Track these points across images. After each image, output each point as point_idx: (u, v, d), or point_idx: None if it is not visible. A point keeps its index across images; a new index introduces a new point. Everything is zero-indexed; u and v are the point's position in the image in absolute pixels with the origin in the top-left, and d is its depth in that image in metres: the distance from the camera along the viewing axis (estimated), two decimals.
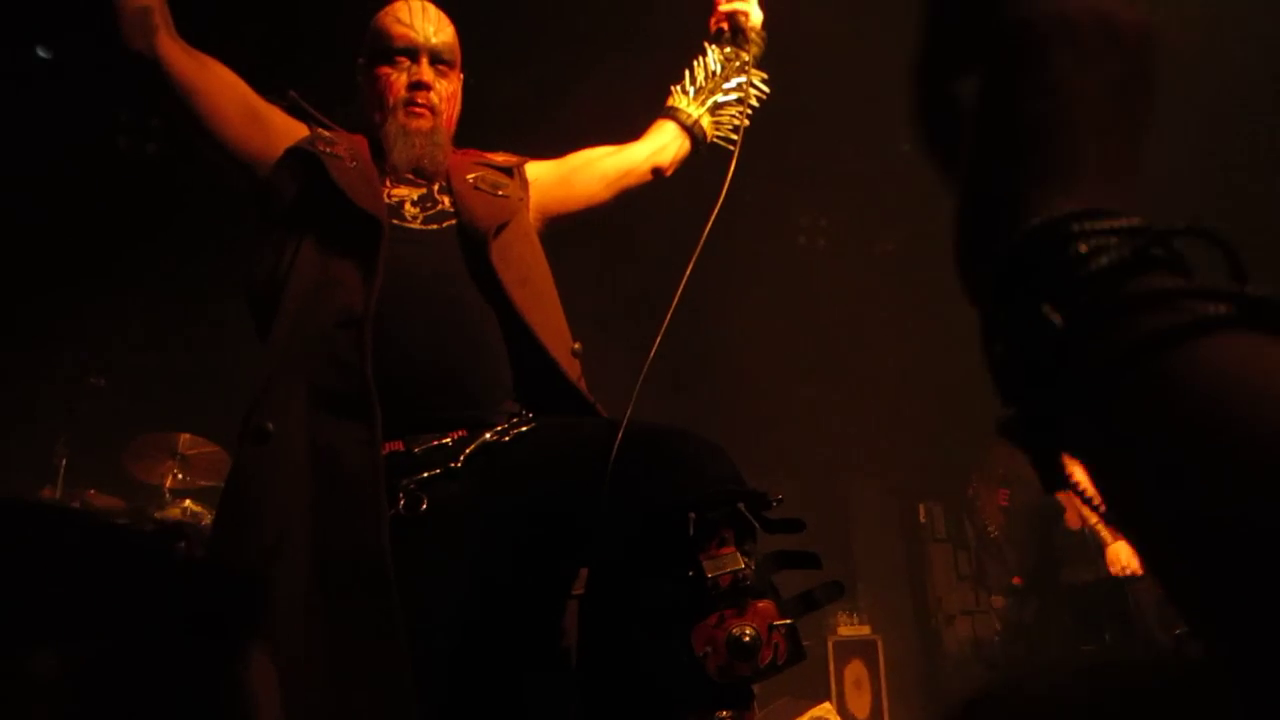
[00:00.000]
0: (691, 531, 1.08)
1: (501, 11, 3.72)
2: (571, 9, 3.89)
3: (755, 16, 1.90)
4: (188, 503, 4.19)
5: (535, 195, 1.73)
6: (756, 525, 1.13)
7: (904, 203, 5.15)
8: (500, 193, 1.61)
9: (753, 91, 1.86)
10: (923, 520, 6.45)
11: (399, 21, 1.60)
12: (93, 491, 4.26)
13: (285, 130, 1.54)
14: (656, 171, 1.86)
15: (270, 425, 1.29)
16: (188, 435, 4.22)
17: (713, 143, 1.92)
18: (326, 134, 1.56)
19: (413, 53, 1.59)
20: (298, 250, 1.42)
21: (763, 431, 5.10)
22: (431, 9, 1.65)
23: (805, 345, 5.41)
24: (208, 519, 4.19)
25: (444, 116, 1.62)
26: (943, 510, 6.51)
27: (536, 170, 1.77)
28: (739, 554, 1.09)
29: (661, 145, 1.88)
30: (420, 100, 1.58)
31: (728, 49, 1.91)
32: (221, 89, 1.51)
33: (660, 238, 5.14)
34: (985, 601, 5.98)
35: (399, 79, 1.59)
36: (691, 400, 3.74)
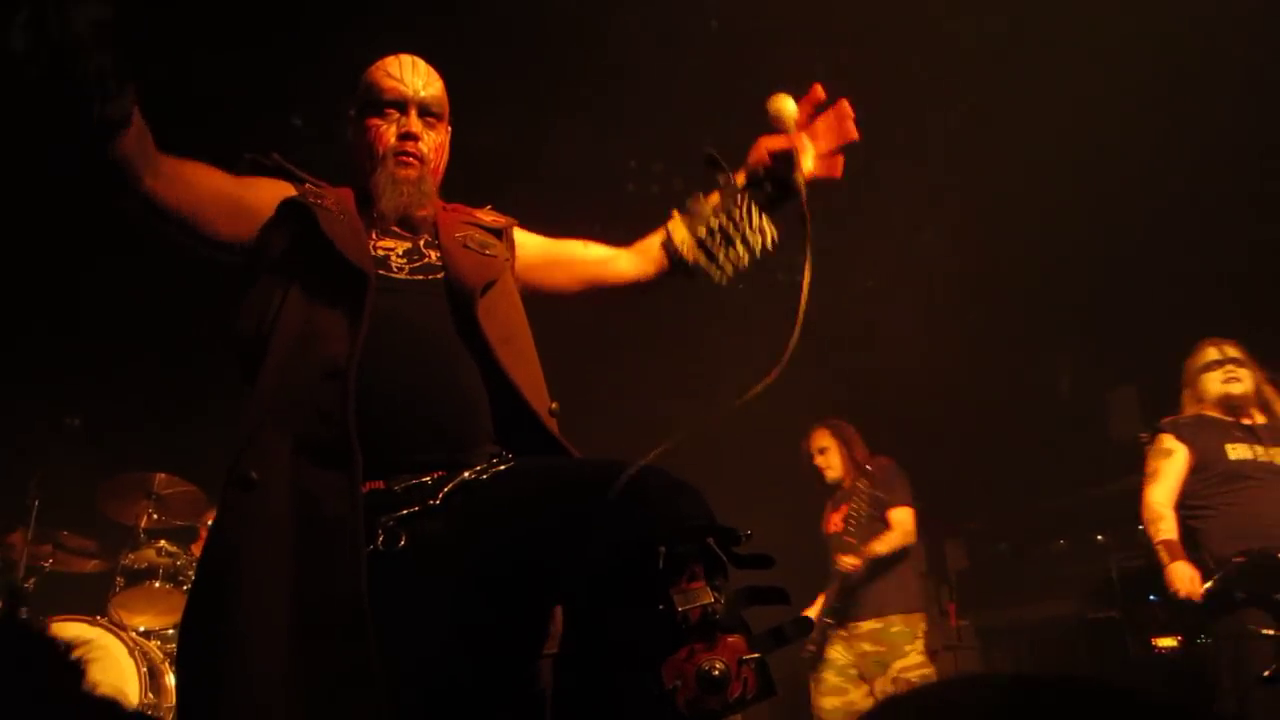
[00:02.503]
0: (661, 565, 1.09)
1: (480, 62, 3.77)
2: (550, 59, 3.94)
3: (806, 167, 1.70)
4: (163, 543, 4.15)
5: (517, 263, 1.76)
6: (726, 561, 1.14)
7: (882, 238, 5.23)
8: (488, 252, 1.65)
9: (765, 238, 1.78)
10: None
11: (389, 75, 1.64)
12: (65, 533, 4.20)
13: (271, 199, 1.55)
14: (634, 289, 1.83)
15: (255, 474, 1.31)
16: (164, 475, 4.17)
17: (702, 270, 1.78)
18: (314, 189, 1.59)
19: (402, 105, 1.63)
20: (284, 300, 1.44)
21: (740, 463, 5.11)
22: (421, 64, 1.69)
23: (788, 377, 5.42)
24: (182, 559, 4.13)
25: (431, 166, 1.65)
26: (923, 545, 6.49)
27: (525, 241, 1.80)
28: (709, 589, 1.11)
29: (642, 270, 1.82)
30: (409, 150, 1.61)
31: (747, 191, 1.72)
32: (206, 200, 1.50)
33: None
34: (969, 637, 5.96)
35: (388, 130, 1.62)
36: (665, 430, 3.73)
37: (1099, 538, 4.62)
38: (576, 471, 1.37)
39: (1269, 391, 3.42)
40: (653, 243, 1.82)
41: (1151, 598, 3.90)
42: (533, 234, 1.83)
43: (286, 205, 1.53)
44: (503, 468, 1.42)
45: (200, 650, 1.27)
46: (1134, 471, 4.79)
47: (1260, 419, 3.36)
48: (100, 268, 4.27)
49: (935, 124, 4.41)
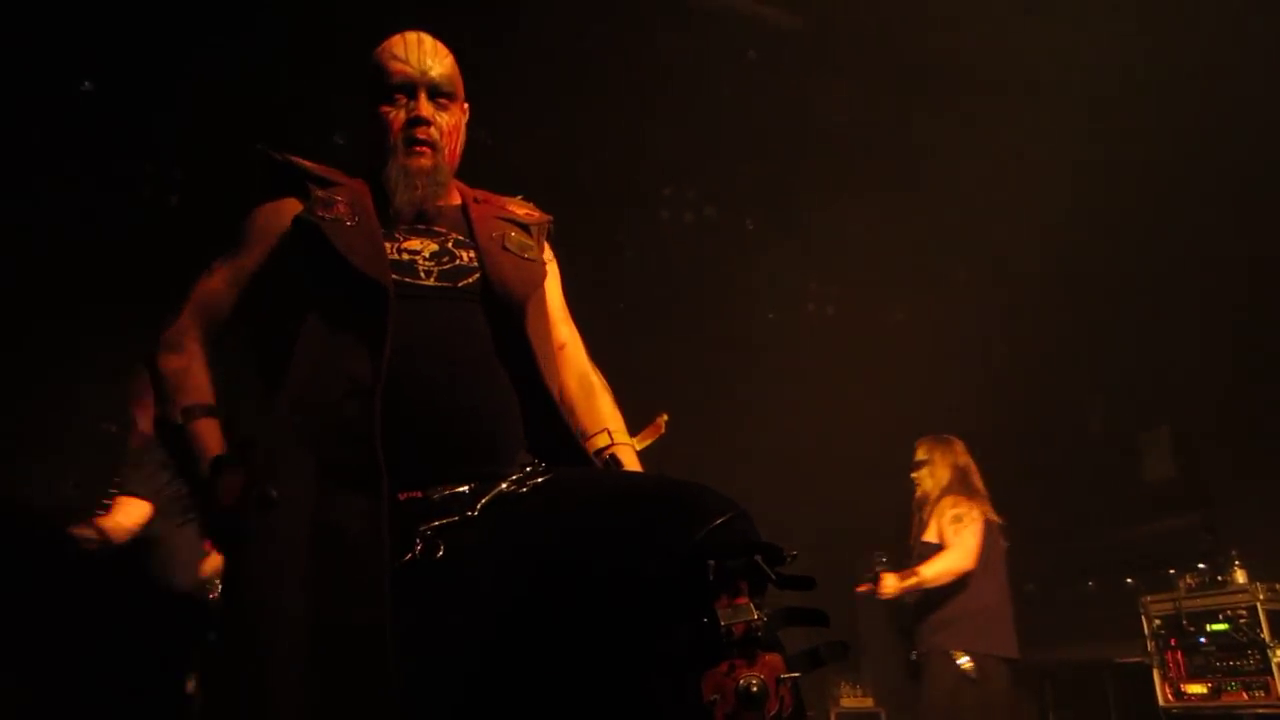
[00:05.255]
0: (711, 579, 1.09)
1: (522, 85, 3.82)
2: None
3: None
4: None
5: None
6: (771, 579, 1.14)
7: (914, 272, 5.22)
8: (527, 255, 1.58)
9: None
10: None
11: (394, 57, 1.55)
12: None
13: (279, 230, 1.50)
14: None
15: (274, 493, 1.26)
16: None
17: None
18: (323, 193, 1.51)
19: (410, 88, 1.54)
20: (304, 319, 1.39)
21: (766, 497, 5.07)
22: (428, 40, 1.59)
23: (814, 411, 5.41)
24: None
25: (446, 152, 1.56)
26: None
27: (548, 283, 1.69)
28: (753, 605, 1.11)
29: (584, 408, 1.65)
30: (420, 136, 1.52)
31: None
32: (241, 301, 1.52)
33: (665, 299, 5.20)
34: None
35: (397, 116, 1.53)
36: (694, 466, 3.73)
37: (1129, 580, 4.53)
38: (618, 483, 1.34)
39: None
40: (595, 411, 1.64)
41: (1200, 640, 3.80)
42: (555, 278, 1.73)
43: (295, 225, 1.46)
44: (540, 479, 1.38)
45: (220, 676, 1.26)
46: (1167, 514, 4.69)
47: None
48: (141, 276, 4.34)
49: (968, 155, 4.41)
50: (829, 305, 5.65)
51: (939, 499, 3.87)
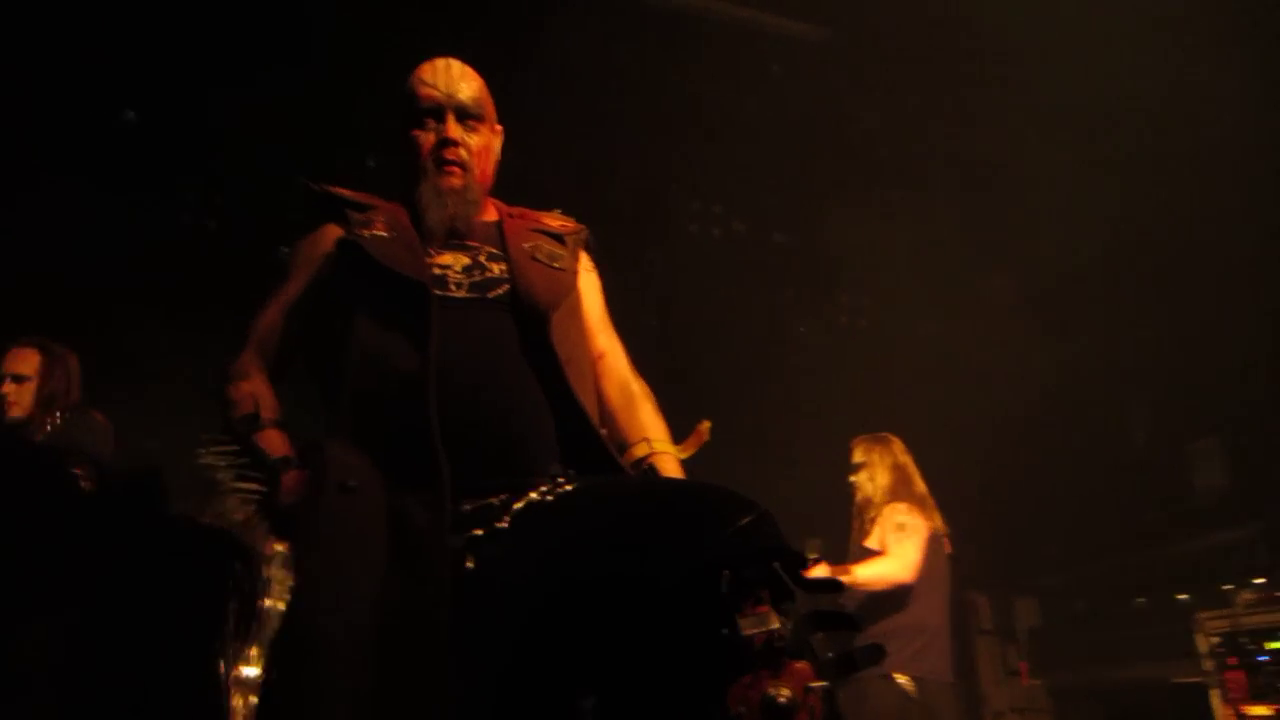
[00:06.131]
0: (725, 589, 1.07)
1: (551, 106, 3.83)
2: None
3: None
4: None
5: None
6: (786, 586, 1.11)
7: (950, 284, 5.14)
8: (556, 264, 1.60)
9: None
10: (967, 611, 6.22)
11: (423, 83, 1.61)
12: None
13: (325, 253, 1.57)
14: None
15: (352, 482, 1.30)
16: None
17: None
18: (361, 215, 1.57)
19: (438, 112, 1.60)
20: (353, 327, 1.45)
21: (801, 514, 5.00)
22: (455, 65, 1.65)
23: (849, 425, 5.34)
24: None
25: (476, 172, 1.61)
26: (989, 601, 6.28)
27: (584, 286, 1.71)
28: (774, 613, 1.07)
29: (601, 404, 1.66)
30: (449, 156, 1.58)
31: None
32: (296, 326, 1.60)
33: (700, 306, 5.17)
34: (1041, 699, 5.71)
35: (427, 139, 1.59)
36: (729, 480, 3.68)
37: (1182, 597, 4.39)
38: (637, 492, 1.33)
39: None
40: (635, 420, 1.64)
41: (1261, 658, 3.65)
42: (596, 288, 1.75)
43: (338, 245, 1.54)
44: (568, 488, 1.38)
45: (287, 649, 1.27)
46: (1220, 527, 4.56)
47: None
48: (181, 300, 4.39)
49: (1006, 164, 4.35)
50: (861, 318, 5.59)
51: (883, 503, 3.66)
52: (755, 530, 1.14)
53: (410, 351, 1.39)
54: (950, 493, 4.21)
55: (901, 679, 3.32)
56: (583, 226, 1.75)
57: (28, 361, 3.14)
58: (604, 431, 1.54)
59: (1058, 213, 4.48)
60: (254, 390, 1.53)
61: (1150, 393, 5.36)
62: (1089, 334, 5.04)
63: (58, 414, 3.18)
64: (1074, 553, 5.50)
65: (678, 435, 1.67)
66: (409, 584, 1.24)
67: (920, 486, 3.75)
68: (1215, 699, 3.81)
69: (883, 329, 5.48)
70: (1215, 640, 3.87)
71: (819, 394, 5.25)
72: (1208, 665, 3.85)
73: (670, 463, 1.59)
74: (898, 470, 3.75)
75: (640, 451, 1.59)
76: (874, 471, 3.77)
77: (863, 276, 5.32)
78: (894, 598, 3.44)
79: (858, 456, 3.86)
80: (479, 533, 1.32)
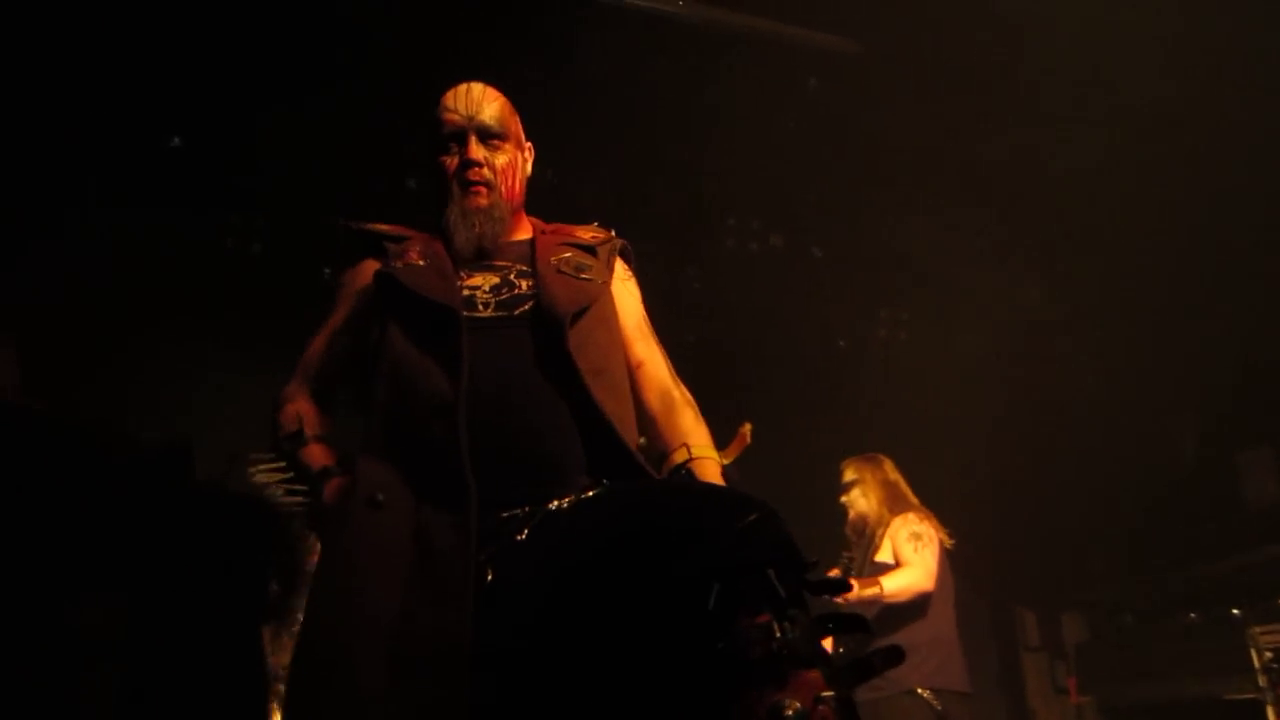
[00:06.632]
0: (714, 602, 1.03)
1: (585, 124, 3.87)
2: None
3: None
4: None
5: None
6: (797, 591, 1.07)
7: (990, 296, 5.09)
8: (583, 275, 1.61)
9: None
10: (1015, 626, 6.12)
11: (445, 109, 1.65)
12: None
13: (364, 286, 1.64)
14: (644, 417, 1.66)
15: (380, 496, 1.35)
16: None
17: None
18: (397, 247, 1.62)
19: (460, 135, 1.63)
20: (389, 351, 1.50)
21: (836, 525, 4.98)
22: (476, 87, 1.67)
23: (888, 439, 5.30)
24: None
25: (502, 190, 1.63)
26: (1036, 617, 6.17)
27: (621, 295, 1.72)
28: (776, 622, 1.02)
29: (665, 425, 1.64)
30: (472, 177, 1.60)
31: None
32: (340, 354, 1.68)
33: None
34: (1091, 716, 5.59)
35: (452, 162, 1.62)
36: (766, 491, 3.68)
37: (1235, 611, 4.28)
38: (638, 501, 1.31)
39: None
40: (675, 426, 1.62)
41: None
42: (633, 297, 1.76)
43: (375, 278, 1.59)
44: (584, 497, 1.38)
45: (309, 659, 1.31)
46: (1272, 539, 4.43)
47: None
48: (225, 321, 4.49)
49: (1050, 178, 4.30)
50: (901, 331, 5.55)
51: (888, 516, 3.63)
52: (756, 532, 1.10)
53: (439, 374, 1.42)
54: (996, 507, 4.17)
55: (926, 694, 3.29)
56: (616, 236, 1.77)
57: None
58: (642, 440, 1.55)
59: (1102, 222, 4.43)
60: (299, 410, 1.60)
61: (1198, 401, 5.26)
62: (1136, 343, 4.95)
63: None
64: (1122, 567, 5.39)
65: (720, 443, 1.67)
66: (432, 603, 1.25)
67: (915, 502, 3.73)
68: (1271, 716, 3.71)
69: (924, 342, 5.43)
70: (1269, 655, 3.77)
71: (861, 407, 5.22)
72: (1262, 681, 3.76)
73: (711, 467, 1.57)
74: (889, 487, 3.73)
75: (679, 458, 1.58)
76: (865, 489, 3.75)
77: (904, 289, 5.29)
78: (911, 610, 3.41)
79: (848, 476, 3.84)
80: (499, 546, 1.33)
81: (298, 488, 1.57)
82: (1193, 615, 4.60)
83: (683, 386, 1.69)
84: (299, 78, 3.76)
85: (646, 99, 3.96)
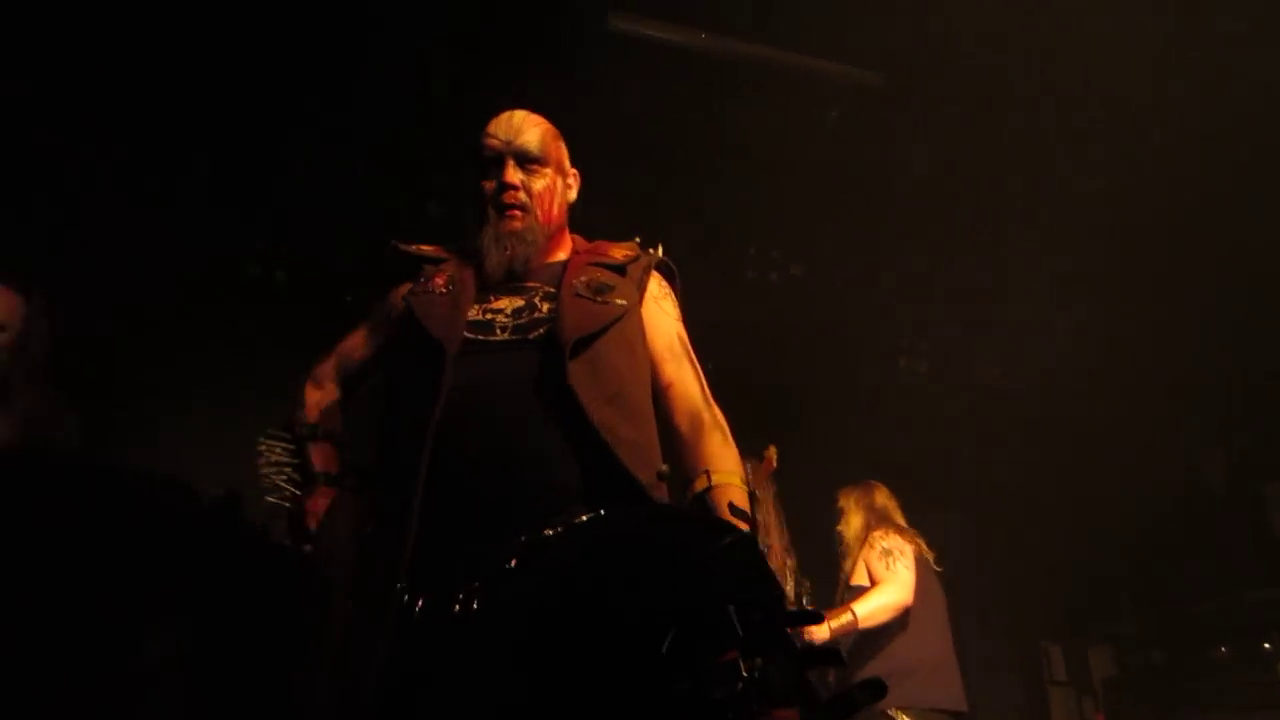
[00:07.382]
0: (672, 640, 0.99)
1: (609, 159, 3.90)
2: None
3: None
4: None
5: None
6: (774, 626, 1.03)
7: (1010, 326, 5.06)
8: (601, 298, 1.57)
9: None
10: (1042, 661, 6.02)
11: (487, 134, 1.70)
12: None
13: (395, 307, 1.70)
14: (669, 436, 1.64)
15: (314, 528, 1.47)
16: None
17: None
18: (430, 269, 1.66)
19: (499, 160, 1.67)
20: (391, 376, 1.60)
21: None
22: (518, 114, 1.71)
23: (909, 471, 5.26)
24: None
25: (538, 213, 1.66)
26: (1062, 651, 6.07)
27: (652, 314, 1.71)
28: (743, 660, 0.98)
29: (689, 450, 1.61)
30: (508, 200, 1.64)
31: None
32: (368, 355, 1.78)
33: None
34: None
35: (491, 187, 1.66)
36: (791, 522, 3.66)
37: (1265, 645, 4.20)
38: (610, 534, 1.25)
39: None
40: (700, 452, 1.58)
41: None
42: (666, 315, 1.73)
43: (403, 301, 1.63)
44: (580, 520, 1.30)
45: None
46: None
47: None
48: (249, 350, 4.53)
49: (1076, 209, 4.29)
50: (921, 361, 5.52)
51: (865, 537, 3.53)
52: (724, 566, 1.06)
53: (422, 405, 1.42)
54: (1021, 540, 4.11)
55: (902, 718, 3.12)
56: (649, 253, 1.76)
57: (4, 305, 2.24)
58: (664, 468, 1.48)
59: (1129, 253, 4.40)
60: (321, 401, 1.68)
61: (1227, 433, 5.19)
62: (1164, 375, 4.90)
63: (45, 394, 2.30)
64: (1150, 600, 5.30)
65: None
66: (359, 644, 1.28)
67: (904, 524, 3.63)
68: None
69: (943, 373, 5.40)
70: None
71: (879, 438, 5.18)
72: None
73: (732, 494, 1.51)
74: (873, 511, 3.64)
75: (699, 486, 1.53)
76: (849, 517, 3.67)
77: (922, 320, 5.27)
78: (888, 629, 3.26)
79: (839, 504, 3.78)
80: (487, 577, 1.26)
81: (288, 487, 1.62)
82: (1222, 649, 4.52)
83: (715, 408, 1.65)
84: (325, 109, 3.82)
85: (668, 127, 3.99)
